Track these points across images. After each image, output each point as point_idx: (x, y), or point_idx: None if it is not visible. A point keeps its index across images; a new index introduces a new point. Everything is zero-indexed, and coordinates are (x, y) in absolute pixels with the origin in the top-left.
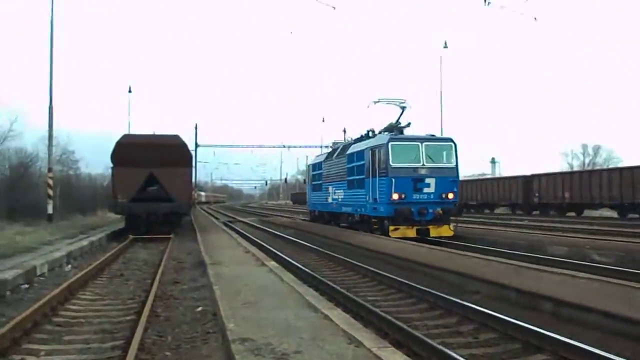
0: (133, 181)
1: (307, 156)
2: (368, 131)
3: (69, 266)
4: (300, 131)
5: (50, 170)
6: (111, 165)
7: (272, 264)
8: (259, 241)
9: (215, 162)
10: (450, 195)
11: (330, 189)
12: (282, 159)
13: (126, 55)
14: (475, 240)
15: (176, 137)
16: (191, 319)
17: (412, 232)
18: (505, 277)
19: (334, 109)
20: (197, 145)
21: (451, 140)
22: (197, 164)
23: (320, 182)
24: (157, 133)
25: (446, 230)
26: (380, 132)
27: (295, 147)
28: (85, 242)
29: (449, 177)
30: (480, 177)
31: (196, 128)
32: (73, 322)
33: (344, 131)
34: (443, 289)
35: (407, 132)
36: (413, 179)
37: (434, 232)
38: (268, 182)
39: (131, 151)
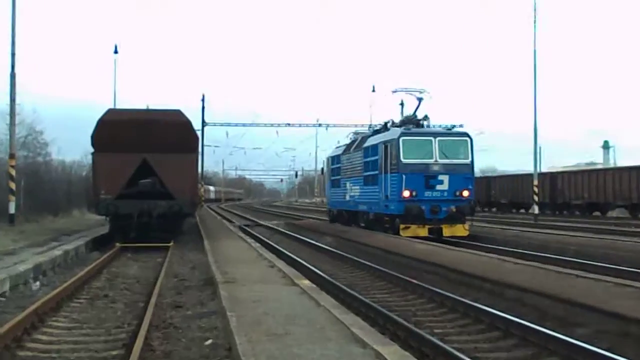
0: (121, 171)
1: (338, 141)
2: (386, 122)
3: (37, 283)
4: (343, 106)
5: (12, 156)
6: (92, 150)
7: (305, 283)
8: (287, 252)
9: (229, 146)
10: (465, 193)
11: (348, 185)
12: (317, 143)
13: (112, 6)
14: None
15: (177, 112)
16: (198, 356)
17: (423, 231)
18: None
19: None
20: (204, 124)
21: (467, 135)
22: (205, 148)
23: (339, 177)
24: (152, 108)
25: (461, 230)
26: (396, 124)
27: (335, 126)
28: (58, 252)
29: (463, 174)
30: (587, 168)
31: (203, 101)
32: (42, 358)
33: (402, 104)
34: (543, 321)
35: (432, 122)
36: (425, 176)
37: (447, 231)
38: (299, 173)
39: (118, 131)
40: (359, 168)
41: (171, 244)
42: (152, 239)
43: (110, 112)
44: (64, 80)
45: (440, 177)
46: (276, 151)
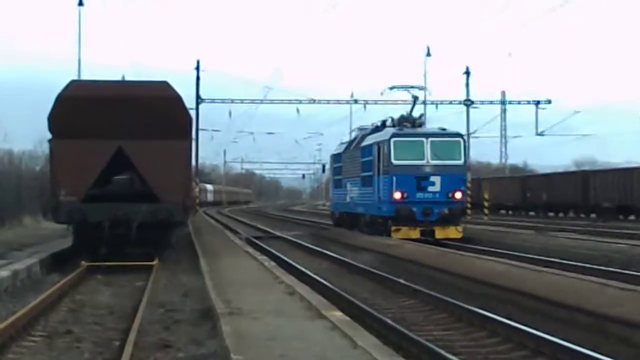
0: (87, 165)
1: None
2: (384, 120)
3: None
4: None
5: None
6: (49, 135)
7: (337, 315)
8: (311, 273)
9: (233, 130)
10: (458, 195)
11: (349, 185)
12: (351, 125)
13: None
14: None
15: (164, 85)
16: None
17: (415, 233)
18: None
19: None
20: (199, 100)
21: (459, 136)
22: (201, 133)
23: (341, 177)
24: (129, 79)
25: (453, 232)
26: (394, 123)
27: (377, 103)
28: (4, 273)
29: (456, 175)
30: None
31: (198, 70)
32: None
33: (467, 73)
34: None
35: (430, 123)
36: (417, 177)
37: (439, 233)
38: (326, 167)
39: (84, 110)
40: (357, 168)
41: (156, 262)
42: (131, 255)
43: (73, 85)
44: (16, 41)
45: (432, 179)
46: (297, 137)
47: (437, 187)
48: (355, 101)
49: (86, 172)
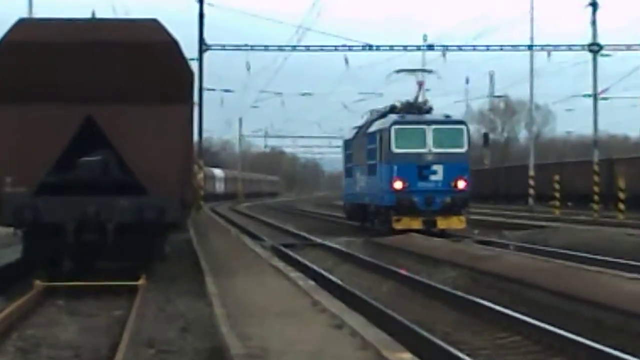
0: (43, 141)
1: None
2: (392, 105)
3: None
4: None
5: None
6: None
7: (405, 358)
8: (366, 298)
9: (252, 90)
10: (461, 184)
11: (358, 174)
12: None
13: None
14: None
15: (152, 26)
16: None
17: (417, 223)
18: None
19: None
20: (203, 47)
21: (463, 123)
22: (206, 95)
23: (351, 165)
24: (103, 17)
25: (456, 222)
26: (401, 108)
27: (459, 49)
28: None
29: (459, 164)
30: None
31: (202, 2)
32: None
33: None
34: None
35: (438, 109)
36: (418, 166)
37: (442, 223)
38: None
39: (38, 63)
40: (364, 156)
41: (142, 282)
42: (106, 272)
43: (22, 25)
44: None
45: (434, 167)
46: (345, 100)
47: (439, 176)
48: (430, 47)
49: (41, 152)
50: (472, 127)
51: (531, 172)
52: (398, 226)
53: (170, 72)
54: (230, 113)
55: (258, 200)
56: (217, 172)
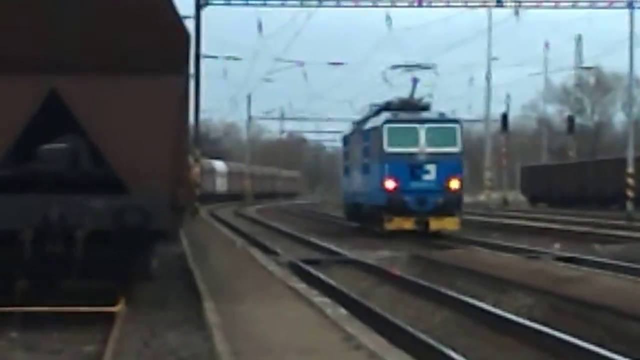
0: None
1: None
2: (388, 101)
3: None
4: None
5: None
6: None
7: None
8: (415, 332)
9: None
10: (454, 184)
11: (354, 173)
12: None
13: None
14: None
15: None
16: None
17: (409, 224)
18: None
19: None
20: (200, 0)
21: (457, 122)
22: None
23: (348, 163)
24: None
25: (450, 223)
26: (397, 105)
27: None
28: None
29: (452, 164)
30: None
31: None
32: None
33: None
34: None
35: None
36: (410, 165)
37: (434, 224)
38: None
39: None
40: (359, 154)
41: (120, 307)
42: (74, 294)
43: None
44: None
45: (427, 167)
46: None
47: (432, 176)
48: (500, 2)
49: None
50: (554, 108)
51: (630, 168)
52: (390, 226)
53: (158, 32)
54: (236, 88)
55: (271, 202)
56: (218, 165)
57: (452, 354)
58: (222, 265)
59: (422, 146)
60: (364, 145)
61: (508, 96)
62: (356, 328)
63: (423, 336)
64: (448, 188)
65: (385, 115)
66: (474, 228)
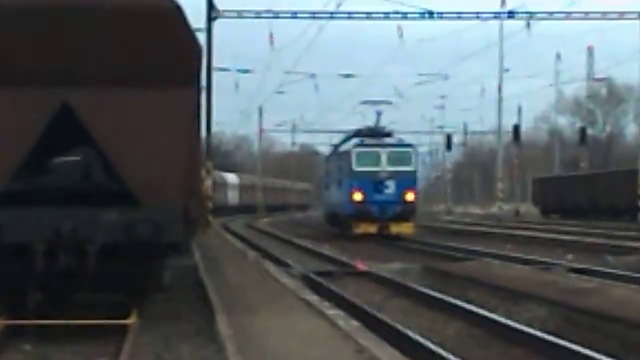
0: (5, 136)
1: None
2: (359, 129)
3: None
4: None
5: None
6: None
7: None
8: (428, 344)
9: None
10: (409, 196)
11: (332, 187)
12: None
13: None
14: None
15: None
16: None
17: (373, 228)
18: None
19: None
20: (212, 14)
21: (411, 146)
22: (216, 75)
23: (328, 179)
24: None
25: (406, 228)
26: (366, 133)
27: (550, 16)
28: None
29: (408, 180)
30: None
31: None
32: None
33: None
34: None
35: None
36: (374, 182)
37: (394, 228)
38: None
39: None
40: (335, 171)
41: (133, 320)
42: (86, 308)
43: None
44: None
45: (387, 183)
46: (398, 83)
47: (391, 190)
48: (511, 14)
49: (2, 152)
50: (565, 120)
51: None
52: (357, 230)
53: (170, 45)
54: (248, 101)
55: (284, 214)
56: (230, 177)
57: None
58: (234, 277)
59: (384, 166)
60: (338, 165)
61: (520, 108)
62: (369, 340)
63: (436, 348)
64: (404, 200)
65: (354, 140)
66: (486, 239)
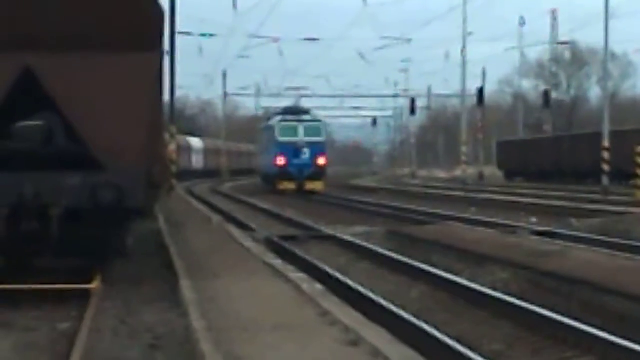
0: None
1: None
2: (285, 108)
3: None
4: None
5: None
6: None
7: None
8: (390, 306)
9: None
10: (320, 160)
11: (264, 154)
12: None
13: None
14: None
15: None
16: None
17: (292, 186)
18: None
19: None
20: None
21: (321, 121)
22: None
23: (262, 147)
24: None
25: (318, 185)
26: (288, 111)
27: None
28: None
29: (319, 148)
30: None
31: None
32: None
33: None
34: None
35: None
36: (294, 149)
37: (309, 186)
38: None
39: None
40: (265, 141)
41: (96, 284)
42: (50, 272)
43: None
44: None
45: (304, 150)
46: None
47: (307, 156)
48: None
49: None
50: (529, 83)
51: (605, 143)
52: (281, 187)
53: (132, 9)
54: (212, 65)
55: (248, 178)
56: (194, 142)
57: (428, 328)
58: (199, 242)
59: (301, 137)
60: (267, 136)
61: (484, 71)
62: (332, 303)
63: (399, 311)
64: (316, 163)
65: (279, 117)
66: (451, 202)
